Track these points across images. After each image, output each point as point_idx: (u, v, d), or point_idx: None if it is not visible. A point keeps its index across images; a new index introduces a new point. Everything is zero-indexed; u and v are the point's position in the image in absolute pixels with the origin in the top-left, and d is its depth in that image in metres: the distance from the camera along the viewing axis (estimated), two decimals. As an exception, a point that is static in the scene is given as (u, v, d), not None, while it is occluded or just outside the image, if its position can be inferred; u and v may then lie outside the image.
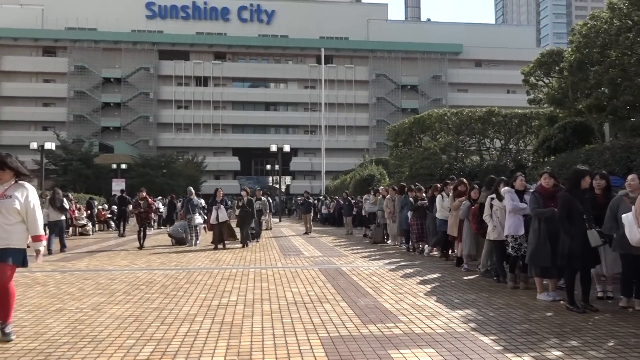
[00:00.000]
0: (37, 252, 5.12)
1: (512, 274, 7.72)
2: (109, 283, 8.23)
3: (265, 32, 66.86)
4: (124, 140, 58.75)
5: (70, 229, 19.00)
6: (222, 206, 14.28)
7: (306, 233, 19.72)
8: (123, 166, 37.91)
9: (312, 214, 22.28)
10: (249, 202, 14.94)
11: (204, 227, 16.61)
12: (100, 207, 23.00)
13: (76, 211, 19.95)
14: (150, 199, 15.33)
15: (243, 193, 15.30)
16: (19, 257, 5.01)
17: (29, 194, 5.04)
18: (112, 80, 63.19)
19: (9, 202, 4.92)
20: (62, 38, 62.12)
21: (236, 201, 15.83)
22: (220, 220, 14.05)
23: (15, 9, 62.47)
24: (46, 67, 62.91)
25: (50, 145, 28.90)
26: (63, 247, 13.56)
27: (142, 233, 14.25)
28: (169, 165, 43.63)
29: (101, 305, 6.51)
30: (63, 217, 14.11)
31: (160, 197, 28.17)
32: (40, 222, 5.09)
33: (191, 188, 15.89)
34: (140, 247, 13.93)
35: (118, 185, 31.30)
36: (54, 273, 9.46)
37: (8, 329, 4.98)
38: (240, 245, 14.39)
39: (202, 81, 64.89)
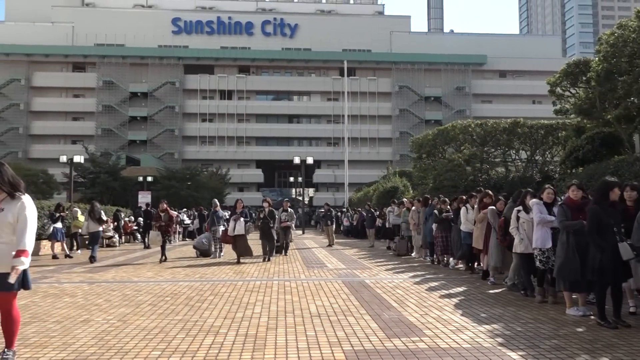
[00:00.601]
0: (13, 268, 4.26)
1: (540, 287, 7.55)
2: (135, 294, 8.33)
3: (289, 45, 67.52)
4: (150, 153, 59.73)
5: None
6: (241, 218, 13.73)
7: (329, 245, 19.67)
8: (149, 179, 38.42)
9: (334, 226, 22.19)
10: (270, 213, 14.46)
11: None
12: (126, 219, 23.37)
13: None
14: (171, 211, 14.91)
15: (265, 204, 14.73)
16: (18, 281, 4.39)
17: (24, 206, 4.46)
18: (139, 94, 64.53)
19: (1, 215, 4.40)
20: (91, 54, 63.85)
21: (257, 213, 15.34)
22: (236, 233, 13.50)
23: (47, 26, 64.48)
24: (76, 82, 64.62)
25: (79, 159, 29.42)
26: (92, 256, 13.95)
27: (163, 246, 13.95)
28: (193, 178, 44.12)
29: (127, 317, 6.59)
30: (100, 228, 14.80)
31: (185, 209, 28.46)
32: (30, 237, 4.41)
33: (216, 200, 15.93)
34: (161, 261, 13.65)
35: (144, 198, 31.73)
36: (82, 284, 9.62)
37: (9, 355, 4.53)
38: (262, 259, 13.97)
39: (226, 94, 65.75)
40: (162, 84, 63.72)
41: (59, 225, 15.60)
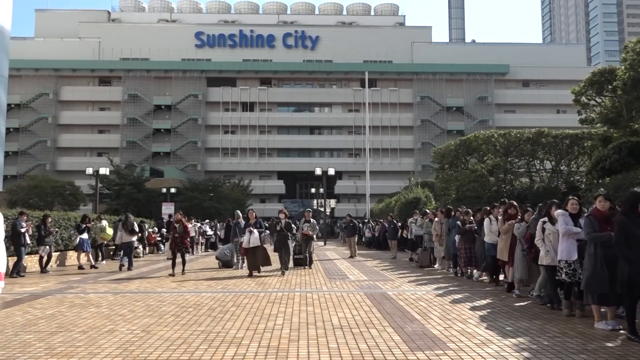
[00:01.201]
0: None
1: (567, 300, 7.39)
2: (159, 305, 8.41)
3: (310, 57, 67.97)
4: (173, 165, 60.52)
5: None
6: (254, 230, 13.11)
7: (351, 257, 19.58)
8: (172, 190, 38.90)
9: (356, 237, 21.99)
10: (287, 225, 13.81)
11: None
12: (150, 230, 23.64)
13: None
14: (185, 222, 13.92)
15: (281, 215, 14.11)
16: None
17: None
18: (162, 107, 65.58)
19: None
20: (116, 68, 65.25)
21: (274, 224, 14.77)
22: (251, 245, 12.93)
23: (74, 42, 66.21)
24: (102, 96, 66.04)
25: (104, 171, 29.99)
26: (130, 265, 14.79)
27: (179, 258, 13.27)
28: (216, 189, 44.49)
29: (151, 327, 6.64)
30: (133, 239, 15.43)
31: (207, 220, 28.67)
32: None
33: (239, 212, 15.97)
34: (173, 274, 13.00)
35: (167, 209, 32.10)
36: (106, 295, 9.75)
37: None
38: (279, 271, 13.42)
39: (248, 106, 66.37)
40: (186, 96, 64.69)
41: (85, 236, 15.87)
